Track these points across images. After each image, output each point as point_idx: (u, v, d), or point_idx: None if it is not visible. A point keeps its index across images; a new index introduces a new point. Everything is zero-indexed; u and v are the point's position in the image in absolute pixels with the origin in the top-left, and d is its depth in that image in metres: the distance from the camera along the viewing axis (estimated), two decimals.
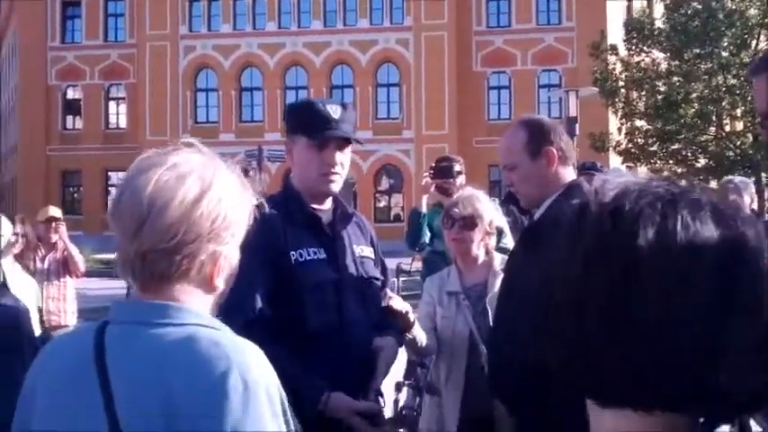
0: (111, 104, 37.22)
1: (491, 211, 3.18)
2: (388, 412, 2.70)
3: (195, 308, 1.20)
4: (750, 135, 22.88)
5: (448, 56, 33.22)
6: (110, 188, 36.68)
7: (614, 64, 23.40)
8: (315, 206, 2.38)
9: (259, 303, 2.19)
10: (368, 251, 2.48)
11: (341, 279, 2.34)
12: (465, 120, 32.72)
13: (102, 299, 12.10)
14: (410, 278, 12.70)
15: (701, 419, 0.76)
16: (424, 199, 5.04)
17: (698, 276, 0.72)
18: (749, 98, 21.09)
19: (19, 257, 4.79)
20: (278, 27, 34.83)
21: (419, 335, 2.68)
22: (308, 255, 2.30)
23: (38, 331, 3.65)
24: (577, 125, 16.95)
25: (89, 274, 8.59)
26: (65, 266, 6.42)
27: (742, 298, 0.72)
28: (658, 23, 23.99)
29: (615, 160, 24.11)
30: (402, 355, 2.71)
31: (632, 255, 0.72)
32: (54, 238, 6.39)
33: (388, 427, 2.43)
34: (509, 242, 4.09)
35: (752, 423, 3.20)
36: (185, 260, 1.18)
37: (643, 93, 23.49)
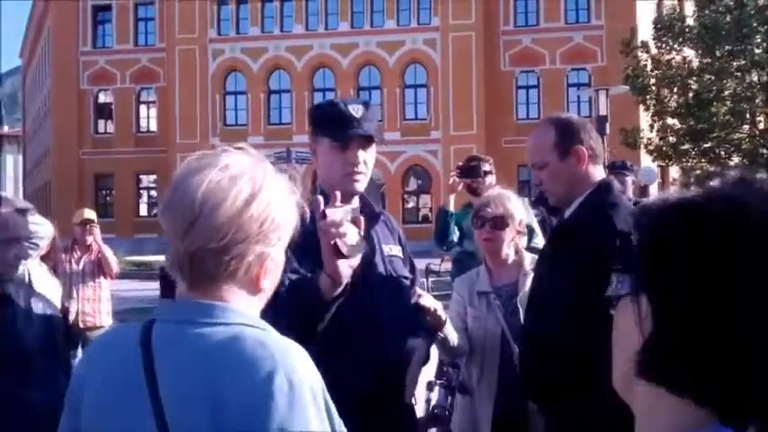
0: (142, 108, 37.61)
1: (521, 211, 3.18)
2: (419, 411, 2.70)
3: (241, 308, 1.21)
4: None
5: (475, 56, 33.11)
6: (141, 191, 37.13)
7: (645, 61, 23.15)
8: None
9: None
10: (396, 250, 2.48)
11: (370, 277, 2.35)
12: (493, 120, 32.58)
13: (134, 300, 12.27)
14: (439, 279, 12.68)
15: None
16: (452, 198, 5.03)
17: None
18: None
19: (45, 258, 4.85)
20: (305, 29, 34.97)
21: (450, 334, 2.68)
22: None
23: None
24: (608, 124, 16.81)
25: (122, 276, 8.72)
26: (99, 268, 6.52)
27: None
28: (689, 21, 23.70)
29: (646, 159, 23.87)
30: (434, 355, 2.71)
31: None
32: (89, 240, 6.49)
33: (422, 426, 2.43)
34: (540, 242, 4.08)
35: None
36: (233, 261, 1.20)
37: (675, 90, 23.22)
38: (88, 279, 6.46)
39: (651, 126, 23.46)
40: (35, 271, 3.58)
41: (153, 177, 35.69)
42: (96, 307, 6.47)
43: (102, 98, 37.69)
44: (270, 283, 1.26)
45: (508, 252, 3.11)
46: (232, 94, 35.55)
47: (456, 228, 4.93)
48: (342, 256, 1.89)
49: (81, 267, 6.46)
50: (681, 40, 23.27)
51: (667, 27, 23.54)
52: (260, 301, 1.26)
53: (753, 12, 22.19)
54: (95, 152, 36.62)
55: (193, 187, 1.19)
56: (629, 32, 24.09)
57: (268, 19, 35.31)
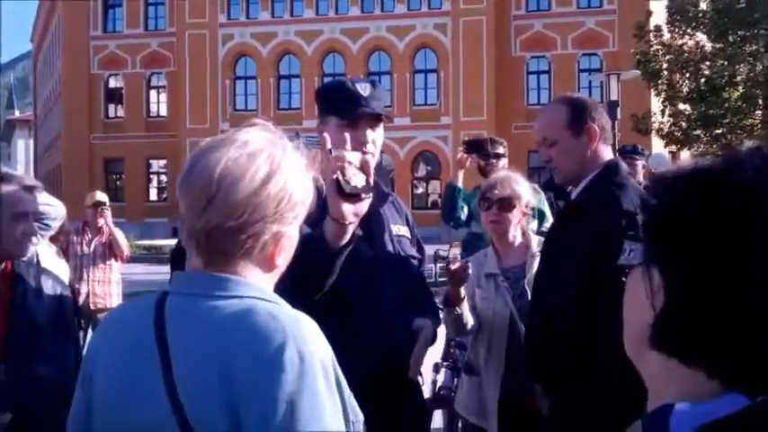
0: (153, 93, 37.67)
1: (528, 193, 3.18)
2: (426, 393, 2.71)
3: (255, 282, 1.22)
4: None
5: (486, 41, 32.94)
6: (151, 176, 37.22)
7: (657, 46, 22.96)
8: None
9: None
10: (404, 230, 2.48)
11: (378, 256, 2.35)
12: (504, 105, 32.45)
13: (144, 284, 12.31)
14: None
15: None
16: (460, 173, 5.02)
17: None
18: None
19: (54, 241, 4.87)
20: (315, 14, 34.87)
21: (466, 312, 2.69)
22: None
23: None
24: (619, 109, 16.71)
25: (132, 259, 8.77)
26: (110, 250, 6.56)
27: None
28: (702, 5, 23.48)
29: (658, 144, 23.73)
30: (440, 336, 2.72)
31: None
32: (100, 222, 6.53)
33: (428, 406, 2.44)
34: None
35: None
36: (249, 239, 1.20)
37: (686, 76, 23.05)
38: (99, 261, 6.51)
39: (662, 111, 23.31)
40: (44, 252, 3.60)
41: (163, 162, 35.80)
42: (107, 289, 6.52)
43: (112, 83, 37.77)
44: (284, 260, 1.26)
45: (515, 234, 3.11)
46: (242, 78, 35.54)
47: (465, 207, 4.92)
48: (344, 194, 1.88)
49: (92, 250, 6.50)
50: (694, 24, 23.07)
51: (681, 11, 23.33)
52: (273, 277, 1.27)
53: None
54: (106, 137, 36.74)
55: (212, 163, 1.19)
56: (645, 15, 23.86)
57: (278, 4, 35.21)
